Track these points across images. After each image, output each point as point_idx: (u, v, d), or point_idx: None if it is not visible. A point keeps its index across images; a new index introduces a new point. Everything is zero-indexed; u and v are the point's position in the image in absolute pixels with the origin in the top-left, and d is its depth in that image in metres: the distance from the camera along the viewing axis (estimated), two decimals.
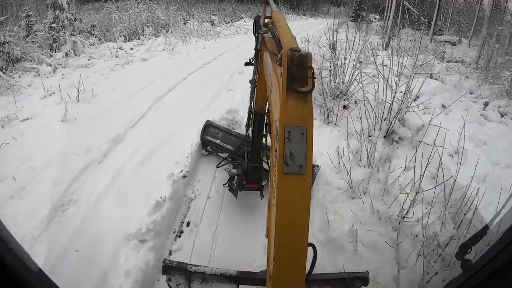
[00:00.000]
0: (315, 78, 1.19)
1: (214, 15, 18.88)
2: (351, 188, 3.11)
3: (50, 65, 7.46)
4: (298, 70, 1.16)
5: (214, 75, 6.81)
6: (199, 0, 29.03)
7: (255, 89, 2.54)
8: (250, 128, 2.85)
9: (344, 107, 5.29)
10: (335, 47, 6.30)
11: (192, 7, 24.49)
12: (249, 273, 1.90)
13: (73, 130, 4.17)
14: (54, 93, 5.45)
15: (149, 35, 11.73)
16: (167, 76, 6.61)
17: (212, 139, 3.68)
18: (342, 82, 5.55)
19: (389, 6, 24.34)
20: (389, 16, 22.49)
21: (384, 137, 4.50)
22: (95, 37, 10.75)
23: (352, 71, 5.61)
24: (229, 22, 20.16)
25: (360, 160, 3.73)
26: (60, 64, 7.69)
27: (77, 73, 6.82)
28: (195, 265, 1.91)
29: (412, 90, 4.58)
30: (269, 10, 2.11)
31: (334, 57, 5.67)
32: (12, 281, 0.90)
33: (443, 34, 23.33)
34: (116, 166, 3.42)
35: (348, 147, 3.78)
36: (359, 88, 5.22)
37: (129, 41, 10.97)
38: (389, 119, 4.58)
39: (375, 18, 27.83)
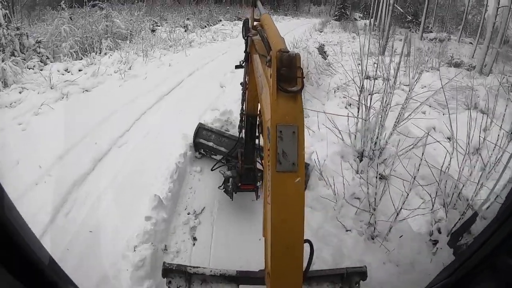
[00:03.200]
0: (304, 77, 1.16)
1: (188, 19, 16.47)
2: None
3: None
4: (287, 71, 1.13)
5: (173, 119, 4.56)
6: (175, 2, 26.60)
7: (246, 91, 2.49)
8: (243, 130, 2.72)
9: (381, 177, 3.20)
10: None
11: (167, 10, 22.04)
12: (248, 272, 1.85)
13: None
14: None
15: (106, 49, 9.38)
16: (103, 126, 4.32)
17: (205, 142, 3.56)
18: (378, 135, 3.40)
19: (376, 4, 22.44)
20: (379, 15, 20.57)
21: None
22: (42, 56, 8.39)
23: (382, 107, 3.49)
24: (205, 26, 17.80)
25: None
26: None
27: None
28: (194, 267, 1.86)
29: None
30: (258, 13, 2.00)
31: (363, 97, 3.51)
32: (24, 268, 0.87)
33: (431, 32, 21.51)
34: None
35: None
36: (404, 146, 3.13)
37: (81, 58, 8.61)
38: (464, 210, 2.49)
39: (359, 17, 25.89)
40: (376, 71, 7.11)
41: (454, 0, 31.44)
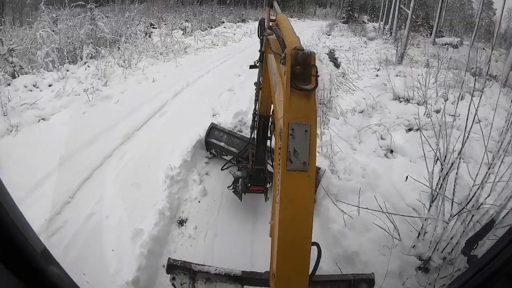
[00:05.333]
0: (318, 76, 1.10)
1: (186, 21, 14.90)
2: None
3: None
4: (302, 69, 1.08)
5: (137, 185, 2.97)
6: (178, 2, 25.02)
7: (260, 91, 2.39)
8: (255, 131, 2.63)
9: None
10: None
11: (168, 11, 20.51)
12: (253, 273, 1.79)
13: None
14: None
15: (87, 57, 7.88)
16: (43, 189, 2.82)
17: (217, 142, 3.43)
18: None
19: (386, 7, 20.81)
20: (390, 19, 18.98)
21: None
22: (14, 67, 6.97)
23: None
24: (206, 29, 16.25)
25: None
26: None
27: None
28: (199, 265, 1.80)
29: None
30: (274, 13, 2.00)
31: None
32: (17, 257, 0.83)
33: (443, 36, 19.89)
34: None
35: None
36: None
37: (59, 69, 7.11)
38: None
39: (367, 19, 24.19)
40: (407, 90, 5.62)
41: (462, 4, 29.85)
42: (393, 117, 4.70)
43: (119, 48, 8.86)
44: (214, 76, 7.12)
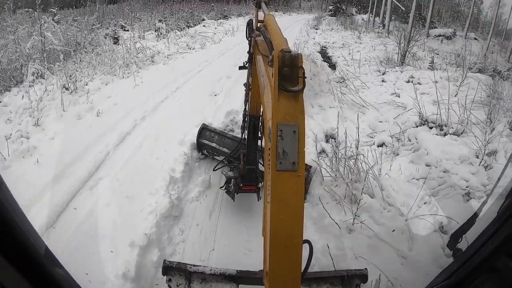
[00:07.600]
0: (305, 77, 1.10)
1: (160, 21, 13.33)
2: None
3: None
4: (289, 70, 1.08)
5: None
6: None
7: (249, 92, 2.42)
8: (246, 131, 2.66)
9: None
10: None
11: (144, 10, 18.87)
12: (248, 272, 1.80)
13: None
14: None
15: (33, 77, 6.40)
16: None
17: (208, 143, 3.46)
18: None
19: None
20: (381, 11, 17.65)
21: None
22: None
23: None
24: (184, 28, 14.71)
25: None
26: None
27: None
28: (194, 265, 1.80)
29: None
30: (262, 14, 1.96)
31: None
32: (20, 257, 0.84)
33: (436, 27, 18.69)
34: None
35: None
36: None
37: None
38: None
39: (355, 11, 22.81)
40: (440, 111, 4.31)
41: None
42: (433, 161, 3.42)
43: (74, 62, 7.40)
44: (182, 99, 5.70)
